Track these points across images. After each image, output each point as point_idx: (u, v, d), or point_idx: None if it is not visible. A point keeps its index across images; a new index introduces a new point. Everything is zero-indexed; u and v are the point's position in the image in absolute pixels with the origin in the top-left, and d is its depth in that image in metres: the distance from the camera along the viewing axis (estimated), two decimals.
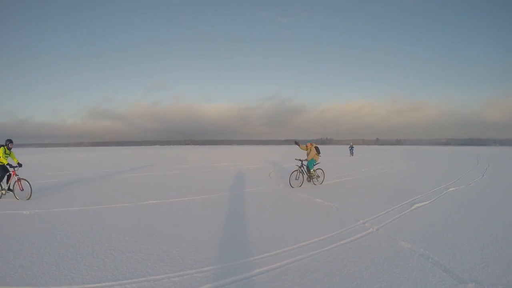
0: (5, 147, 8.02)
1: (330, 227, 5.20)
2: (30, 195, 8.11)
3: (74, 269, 3.63)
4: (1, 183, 7.99)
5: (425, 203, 7.07)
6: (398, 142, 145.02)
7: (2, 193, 7.95)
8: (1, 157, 7.82)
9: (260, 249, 4.19)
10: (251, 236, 4.78)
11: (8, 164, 7.97)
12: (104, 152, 50.22)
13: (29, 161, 23.95)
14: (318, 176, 10.30)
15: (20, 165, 8.15)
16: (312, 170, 9.98)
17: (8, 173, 8.07)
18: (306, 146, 10.18)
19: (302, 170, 9.91)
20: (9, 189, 8.05)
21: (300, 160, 10.11)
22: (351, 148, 33.89)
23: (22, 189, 8.14)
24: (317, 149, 10.14)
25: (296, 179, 9.76)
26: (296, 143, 10.43)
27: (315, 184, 10.11)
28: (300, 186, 9.68)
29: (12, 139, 8.18)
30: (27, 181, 8.22)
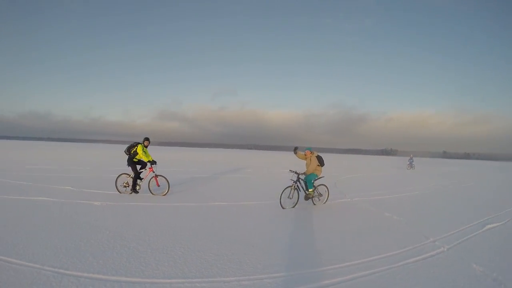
0: (142, 144, 8.26)
1: (399, 243, 4.87)
2: (167, 191, 8.43)
3: (144, 262, 3.61)
4: (138, 179, 8.27)
5: (497, 224, 6.48)
6: (466, 156, 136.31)
7: (136, 189, 8.23)
8: (141, 154, 8.13)
9: (330, 260, 3.99)
10: (320, 246, 4.61)
11: (149, 161, 8.22)
12: (180, 153, 51.64)
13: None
14: (320, 195, 8.06)
15: (154, 162, 8.28)
16: (311, 189, 7.68)
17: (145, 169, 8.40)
18: (305, 155, 7.97)
19: (297, 186, 7.63)
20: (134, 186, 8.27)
21: (295, 173, 7.67)
22: (411, 160, 30.45)
23: (159, 185, 8.46)
24: (319, 159, 7.87)
25: (289, 197, 7.47)
26: (295, 150, 8.02)
27: (315, 204, 7.93)
28: (294, 206, 7.47)
29: (148, 137, 8.45)
30: (165, 178, 8.50)
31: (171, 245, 4.30)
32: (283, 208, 7.26)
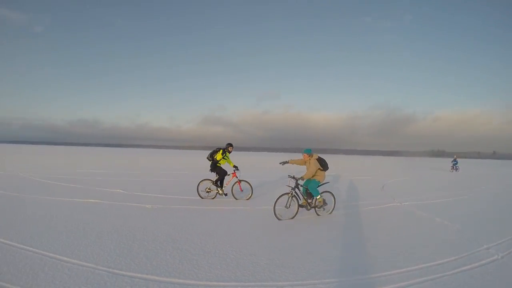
0: (225, 150, 8.43)
1: (452, 250, 4.68)
2: (251, 196, 8.55)
3: (197, 265, 3.63)
4: (218, 183, 8.40)
5: None
6: None
7: (218, 193, 8.37)
8: (228, 159, 8.37)
9: (383, 266, 3.88)
10: (373, 251, 4.50)
11: (234, 166, 8.46)
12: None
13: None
14: (325, 204, 6.80)
15: (236, 167, 8.45)
16: (318, 196, 6.58)
17: (227, 175, 8.49)
18: (303, 158, 6.81)
19: (296, 193, 6.45)
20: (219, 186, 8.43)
21: (294, 178, 6.47)
22: (454, 162, 28.16)
23: (242, 190, 8.78)
24: (321, 162, 6.67)
25: (286, 207, 6.43)
26: (283, 163, 7.22)
27: (318, 215, 6.75)
28: (293, 217, 6.39)
29: (232, 143, 8.58)
30: (248, 182, 8.70)
31: (223, 249, 4.31)
32: (278, 219, 6.23)
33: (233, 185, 8.61)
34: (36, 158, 27.49)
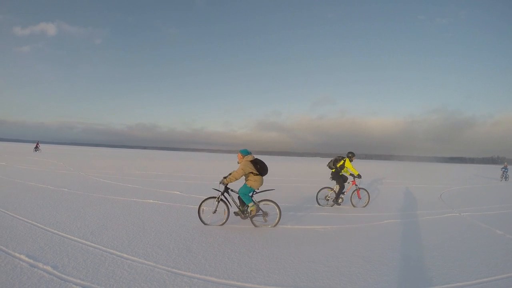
0: (348, 158, 8.51)
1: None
2: (367, 203, 8.64)
3: (255, 269, 3.61)
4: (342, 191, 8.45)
5: None
6: None
7: (339, 202, 8.39)
8: (352, 167, 8.32)
9: (440, 279, 3.61)
10: (430, 264, 4.21)
11: (358, 174, 8.38)
12: (291, 163, 53.84)
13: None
14: (266, 214, 5.77)
15: (359, 176, 8.39)
16: (250, 204, 5.63)
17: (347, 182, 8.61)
18: (238, 159, 5.91)
19: (225, 198, 5.79)
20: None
21: (222, 183, 5.70)
22: (505, 170, 25.15)
23: (360, 198, 8.85)
24: (256, 164, 5.72)
25: (214, 212, 5.78)
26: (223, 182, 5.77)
27: (256, 226, 5.77)
28: (223, 224, 5.74)
29: (353, 152, 8.65)
30: (366, 190, 8.93)
31: (281, 255, 4.23)
32: (204, 224, 5.73)
33: (352, 193, 8.78)
34: (96, 160, 29.20)
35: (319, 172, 25.69)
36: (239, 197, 5.82)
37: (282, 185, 13.60)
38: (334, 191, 8.40)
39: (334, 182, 8.48)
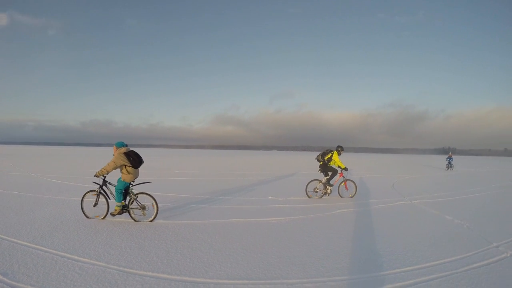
0: (337, 152, 8.92)
1: (461, 248, 4.68)
2: (355, 194, 9.23)
3: (208, 263, 3.66)
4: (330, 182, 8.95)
5: None
6: None
7: (326, 192, 8.89)
8: (338, 161, 8.76)
9: (391, 264, 3.87)
10: (381, 250, 4.47)
11: (338, 167, 8.83)
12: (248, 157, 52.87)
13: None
14: (144, 208, 5.65)
15: (346, 169, 8.86)
16: (118, 203, 5.59)
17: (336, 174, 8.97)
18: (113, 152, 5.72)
19: (104, 191, 5.77)
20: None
21: (96, 175, 5.58)
22: (450, 159, 25.92)
23: (347, 189, 9.29)
24: (129, 156, 5.52)
25: (94, 205, 5.76)
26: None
27: (136, 220, 5.65)
28: (104, 218, 5.75)
29: (342, 146, 9.10)
30: (353, 182, 9.45)
31: (234, 248, 4.32)
32: (87, 217, 5.75)
33: (339, 184, 9.44)
34: (48, 159, 27.94)
35: (273, 164, 26.27)
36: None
37: (234, 179, 13.93)
38: (323, 183, 8.86)
39: (322, 174, 8.99)
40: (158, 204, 5.75)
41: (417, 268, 3.81)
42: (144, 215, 5.67)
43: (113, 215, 5.64)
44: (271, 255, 4.04)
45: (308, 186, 9.01)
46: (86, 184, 10.80)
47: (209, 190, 10.05)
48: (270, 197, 8.72)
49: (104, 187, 5.76)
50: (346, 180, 9.27)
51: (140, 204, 5.64)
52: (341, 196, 9.04)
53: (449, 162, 25.52)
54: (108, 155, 39.46)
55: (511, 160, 65.03)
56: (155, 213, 5.65)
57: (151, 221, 5.65)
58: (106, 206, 5.72)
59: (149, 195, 5.69)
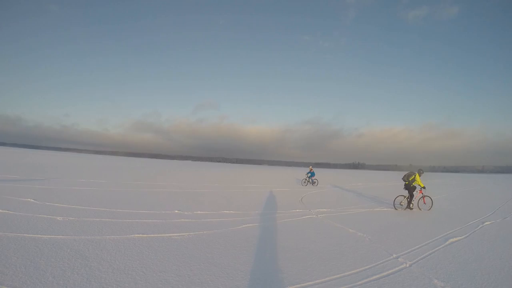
0: (418, 174, 11.15)
1: (362, 260, 5.00)
2: (431, 207, 11.31)
3: (105, 283, 3.71)
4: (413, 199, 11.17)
5: (460, 238, 6.74)
6: (432, 169, 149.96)
7: (410, 207, 11.04)
8: (419, 181, 10.91)
9: (291, 280, 4.05)
10: (283, 265, 4.63)
11: (423, 186, 11.19)
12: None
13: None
14: None
15: (424, 188, 11.25)
16: None
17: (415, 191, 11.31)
18: None
19: None
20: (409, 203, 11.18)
21: None
22: (311, 174, 22.20)
23: (425, 203, 11.55)
24: None
25: None
26: None
27: None
28: None
29: (422, 169, 11.49)
30: (430, 198, 11.69)
31: (133, 266, 4.29)
32: None
33: (418, 200, 11.60)
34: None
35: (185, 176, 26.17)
36: None
37: (139, 190, 14.10)
38: (406, 198, 11.15)
39: (406, 191, 11.26)
40: None
41: (318, 282, 4.01)
42: None
43: None
44: (170, 273, 4.09)
45: (395, 200, 11.34)
46: None
47: (112, 202, 9.62)
48: (176, 211, 8.64)
49: None
50: (424, 196, 11.49)
51: None
52: (420, 209, 11.02)
53: (309, 177, 22.27)
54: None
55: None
56: None
57: None
58: None
59: None
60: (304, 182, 22.23)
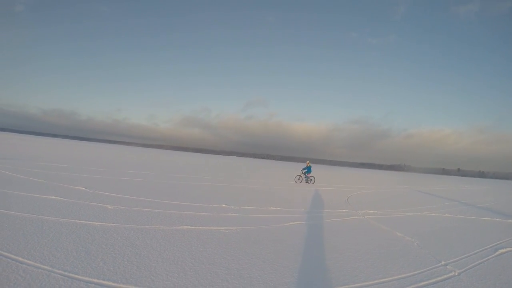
0: None
1: (410, 265, 4.81)
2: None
3: (155, 272, 3.69)
4: None
5: (510, 249, 6.34)
6: (481, 175, 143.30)
7: None
8: None
9: (339, 281, 3.94)
10: (331, 265, 4.55)
11: None
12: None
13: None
14: None
15: None
16: None
17: None
18: None
19: None
20: None
21: None
22: (306, 170, 19.43)
23: None
24: None
25: None
26: None
27: None
28: None
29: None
30: None
31: (182, 257, 4.28)
32: None
33: None
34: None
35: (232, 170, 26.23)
36: None
37: (184, 183, 14.07)
38: None
39: None
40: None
41: (366, 285, 3.89)
42: None
43: None
44: (219, 266, 4.06)
45: None
46: (37, 178, 10.40)
47: (160, 193, 9.89)
48: (224, 205, 8.68)
49: None
50: None
51: None
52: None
53: (305, 174, 19.48)
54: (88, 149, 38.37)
55: (462, 180, 67.78)
56: None
57: None
58: None
59: None
60: (298, 178, 19.36)
